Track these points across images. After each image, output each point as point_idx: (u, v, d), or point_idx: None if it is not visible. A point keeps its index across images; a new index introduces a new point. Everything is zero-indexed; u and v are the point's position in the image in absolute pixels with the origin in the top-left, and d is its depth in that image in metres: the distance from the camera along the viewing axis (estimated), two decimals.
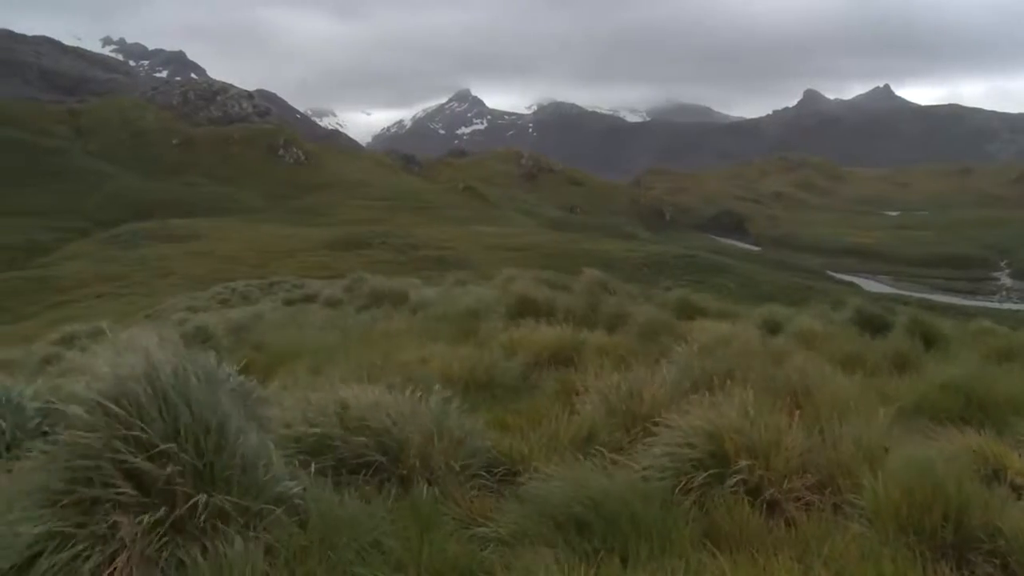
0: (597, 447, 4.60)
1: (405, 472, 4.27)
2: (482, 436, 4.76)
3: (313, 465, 4.01)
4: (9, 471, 3.57)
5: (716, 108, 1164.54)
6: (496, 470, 4.56)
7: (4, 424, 4.60)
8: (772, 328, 11.10)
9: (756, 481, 4.08)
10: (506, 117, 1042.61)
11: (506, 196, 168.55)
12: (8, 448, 4.47)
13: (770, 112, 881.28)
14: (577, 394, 6.10)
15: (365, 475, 4.23)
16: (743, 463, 4.12)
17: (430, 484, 4.19)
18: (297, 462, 3.96)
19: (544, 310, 10.91)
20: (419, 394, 4.78)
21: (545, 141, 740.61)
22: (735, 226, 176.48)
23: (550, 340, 8.49)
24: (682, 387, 5.81)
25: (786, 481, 4.11)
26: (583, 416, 5.39)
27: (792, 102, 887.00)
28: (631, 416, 5.34)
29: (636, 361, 6.94)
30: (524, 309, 11.05)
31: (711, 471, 4.13)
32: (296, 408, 4.68)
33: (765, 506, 3.99)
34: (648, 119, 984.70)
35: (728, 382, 5.10)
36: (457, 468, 4.35)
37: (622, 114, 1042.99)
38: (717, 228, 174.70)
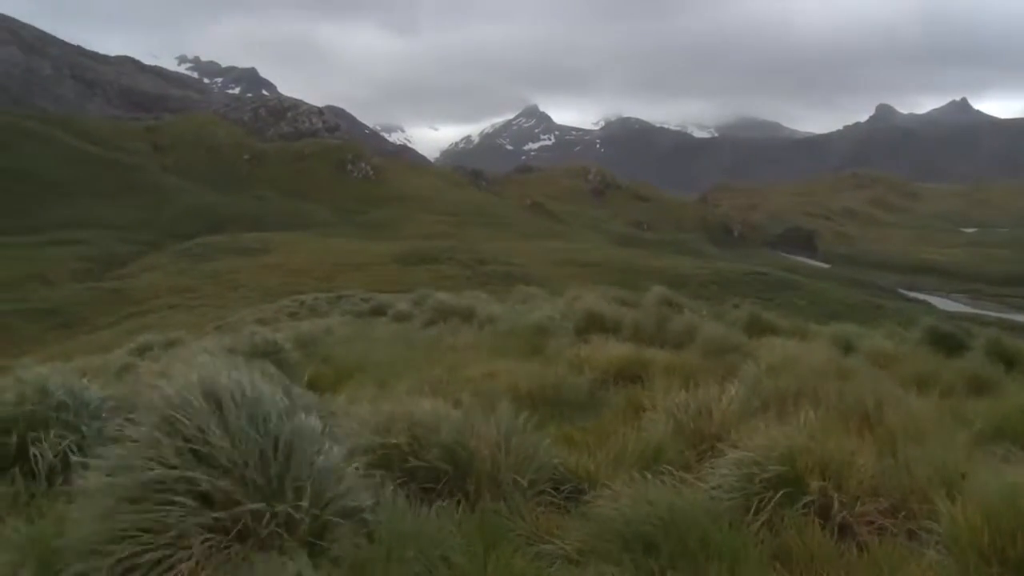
0: (664, 465, 4.54)
1: (473, 486, 4.28)
2: (549, 452, 4.72)
3: (381, 478, 4.04)
4: (94, 469, 3.67)
5: (785, 123, 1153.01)
6: (563, 487, 4.53)
7: (84, 429, 4.75)
8: (843, 347, 10.89)
9: (827, 503, 3.99)
10: (573, 133, 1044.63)
11: (573, 212, 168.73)
12: (84, 451, 4.59)
13: (840, 127, 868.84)
14: (644, 411, 6.06)
15: (433, 488, 4.25)
16: (813, 484, 4.03)
17: (497, 499, 4.20)
18: (365, 474, 3.99)
19: (612, 327, 10.88)
20: (486, 409, 4.79)
21: (612, 157, 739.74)
22: (804, 243, 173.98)
23: (617, 357, 8.45)
24: (751, 406, 5.74)
25: (858, 504, 4.00)
26: (650, 434, 5.34)
27: (863, 117, 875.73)
28: (699, 435, 5.29)
29: (704, 379, 6.87)
30: (592, 325, 11.03)
31: (781, 492, 4.03)
32: (364, 421, 4.73)
33: (836, 529, 3.89)
34: (716, 135, 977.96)
35: (798, 402, 5.02)
36: (524, 484, 4.33)
37: (690, 129, 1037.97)
38: (786, 245, 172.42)
